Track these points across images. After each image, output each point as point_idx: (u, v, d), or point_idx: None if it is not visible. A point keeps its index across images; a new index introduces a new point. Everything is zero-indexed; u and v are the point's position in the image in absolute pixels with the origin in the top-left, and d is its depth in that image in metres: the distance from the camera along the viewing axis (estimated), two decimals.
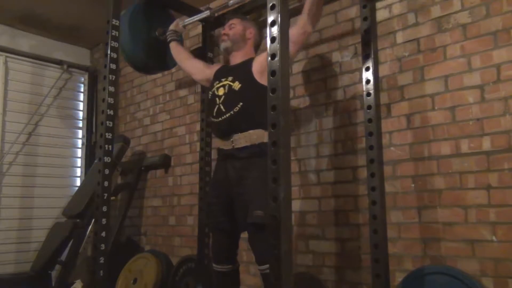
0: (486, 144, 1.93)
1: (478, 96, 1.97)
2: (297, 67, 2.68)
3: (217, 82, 2.13)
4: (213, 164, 2.50)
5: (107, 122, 2.23)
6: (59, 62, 4.07)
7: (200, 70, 2.39)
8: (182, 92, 3.49)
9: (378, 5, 2.30)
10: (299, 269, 2.48)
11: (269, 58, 1.38)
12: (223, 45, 2.21)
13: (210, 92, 2.16)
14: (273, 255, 1.28)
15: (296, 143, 2.61)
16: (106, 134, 2.22)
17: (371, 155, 2.06)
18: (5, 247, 3.60)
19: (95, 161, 3.07)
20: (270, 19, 1.40)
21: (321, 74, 2.56)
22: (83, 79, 4.31)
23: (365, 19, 2.16)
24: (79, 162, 4.17)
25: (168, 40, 2.55)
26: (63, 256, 3.37)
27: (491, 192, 1.90)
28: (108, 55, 2.28)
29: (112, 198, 2.71)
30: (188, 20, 2.67)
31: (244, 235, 2.04)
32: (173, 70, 3.31)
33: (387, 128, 2.23)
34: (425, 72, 2.15)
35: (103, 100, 2.26)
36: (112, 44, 2.29)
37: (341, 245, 2.36)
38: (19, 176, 3.76)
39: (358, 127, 2.36)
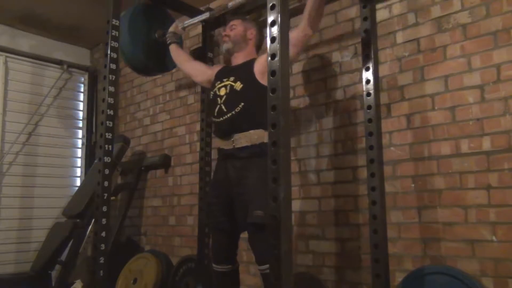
0: (486, 144, 1.93)
1: (478, 96, 1.97)
2: (297, 67, 2.68)
3: (219, 82, 2.14)
4: (213, 164, 2.50)
5: (107, 122, 2.23)
6: (59, 62, 4.07)
7: (201, 72, 2.40)
8: (182, 92, 3.49)
9: (378, 5, 2.30)
10: (299, 269, 2.48)
11: (269, 58, 1.38)
12: (224, 47, 2.22)
13: (212, 92, 2.16)
14: (273, 255, 1.28)
15: (296, 143, 2.61)
16: (106, 134, 2.22)
17: (371, 155, 2.06)
18: (5, 247, 3.60)
19: (95, 161, 3.07)
20: (270, 19, 1.40)
21: (321, 74, 2.56)
22: (83, 79, 4.32)
23: (365, 19, 2.16)
24: (79, 162, 4.17)
25: (168, 42, 2.55)
26: (63, 256, 3.37)
27: (491, 192, 1.90)
28: (108, 55, 2.28)
29: (112, 198, 2.71)
30: (188, 22, 2.66)
31: (244, 235, 2.04)
32: (173, 70, 3.31)
33: (387, 128, 2.23)
34: (425, 72, 2.15)
35: (103, 100, 2.26)
36: (112, 44, 2.29)
37: (341, 245, 2.36)
38: (19, 176, 3.76)
39: (358, 127, 2.36)
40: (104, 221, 2.15)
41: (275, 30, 1.38)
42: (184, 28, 2.63)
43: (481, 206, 1.91)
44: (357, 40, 2.35)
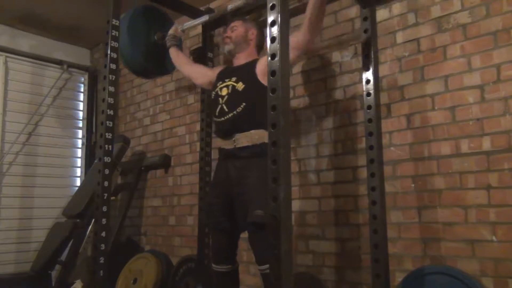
0: (486, 144, 1.93)
1: (478, 96, 1.97)
2: (297, 67, 2.68)
3: (221, 82, 2.14)
4: (213, 164, 2.50)
5: (107, 122, 2.23)
6: (59, 62, 4.07)
7: (201, 74, 2.40)
8: (182, 92, 3.49)
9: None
10: (299, 269, 2.48)
11: (269, 58, 1.38)
12: (226, 48, 2.23)
13: (213, 93, 2.16)
14: (273, 255, 1.28)
15: (296, 143, 2.61)
16: (106, 134, 2.22)
17: (371, 155, 2.06)
18: (5, 247, 3.60)
19: (95, 161, 3.07)
20: (270, 19, 1.40)
21: (321, 74, 2.56)
22: (83, 79, 4.31)
23: (365, 19, 2.16)
24: (79, 162, 4.17)
25: (168, 45, 2.56)
26: (63, 256, 3.37)
27: (491, 192, 1.90)
28: (108, 55, 2.28)
29: (112, 198, 2.71)
30: (187, 24, 2.66)
31: (244, 235, 2.04)
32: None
33: (387, 128, 2.23)
34: (425, 72, 2.15)
35: (103, 100, 2.26)
36: (112, 44, 2.29)
37: (341, 245, 2.36)
38: (19, 176, 3.76)
39: (358, 127, 2.36)
40: (104, 221, 2.15)
41: (275, 30, 1.38)
42: (183, 31, 2.63)
43: (481, 206, 1.91)
44: (357, 40, 2.35)
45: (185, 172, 3.36)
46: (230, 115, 2.02)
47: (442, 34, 2.11)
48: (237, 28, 2.20)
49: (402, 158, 2.19)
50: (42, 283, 3.36)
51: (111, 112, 2.26)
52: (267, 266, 1.77)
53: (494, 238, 1.87)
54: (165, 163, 3.48)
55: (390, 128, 2.24)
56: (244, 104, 2.00)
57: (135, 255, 3.33)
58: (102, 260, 2.13)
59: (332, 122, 2.48)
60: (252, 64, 2.10)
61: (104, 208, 2.16)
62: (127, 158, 3.85)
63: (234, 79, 2.08)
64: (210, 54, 2.91)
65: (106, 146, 2.21)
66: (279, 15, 1.38)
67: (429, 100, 2.12)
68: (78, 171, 4.16)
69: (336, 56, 2.51)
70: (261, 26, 2.22)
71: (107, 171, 2.20)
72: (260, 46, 2.26)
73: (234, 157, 2.03)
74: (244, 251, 2.69)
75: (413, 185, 2.14)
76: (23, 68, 3.89)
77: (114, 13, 2.32)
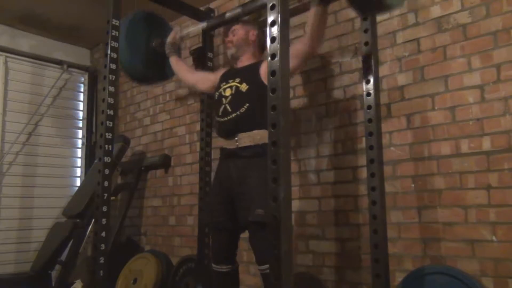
0: (486, 144, 1.93)
1: (478, 96, 1.97)
2: None
3: (224, 83, 2.16)
4: (213, 164, 2.51)
5: (107, 122, 2.23)
6: (59, 62, 4.07)
7: (204, 80, 2.42)
8: (182, 92, 3.49)
9: None
10: (299, 269, 2.48)
11: (269, 58, 1.38)
12: (229, 52, 2.26)
13: (217, 93, 2.18)
14: (273, 255, 1.28)
15: (296, 143, 2.61)
16: (106, 134, 2.22)
17: (371, 155, 2.06)
18: (5, 247, 3.60)
19: (95, 161, 3.07)
20: (270, 19, 1.40)
21: (321, 74, 2.56)
22: (83, 79, 4.31)
23: (365, 19, 2.16)
24: (79, 162, 4.17)
25: (167, 54, 2.56)
26: (63, 256, 3.37)
27: (491, 192, 1.90)
28: (108, 55, 2.28)
29: (112, 198, 2.71)
30: (185, 31, 2.66)
31: (244, 235, 2.04)
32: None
33: (387, 128, 2.23)
34: (425, 72, 2.15)
35: (103, 100, 2.26)
36: (112, 44, 2.29)
37: (341, 245, 2.36)
38: (19, 176, 3.76)
39: (358, 127, 2.36)
40: (104, 221, 2.16)
41: (275, 30, 1.38)
42: (182, 38, 2.64)
43: (481, 206, 1.91)
44: (357, 40, 2.35)
45: (185, 172, 3.36)
46: (233, 115, 2.03)
47: (442, 34, 2.11)
48: (238, 31, 2.23)
49: (402, 158, 2.19)
50: (42, 283, 3.36)
51: (111, 112, 2.26)
52: (267, 266, 1.77)
53: (494, 238, 1.87)
54: (165, 163, 3.48)
55: (390, 128, 2.24)
56: (247, 104, 2.01)
57: (135, 255, 3.33)
58: (102, 260, 2.13)
59: (332, 122, 2.48)
60: (256, 66, 2.12)
61: (104, 208, 2.17)
62: (127, 158, 3.85)
63: (238, 80, 2.10)
64: (210, 54, 2.91)
65: (106, 146, 2.21)
66: (279, 15, 1.38)
67: (429, 100, 2.12)
68: (78, 171, 4.16)
69: (336, 56, 2.51)
70: (261, 26, 2.22)
71: (107, 171, 2.20)
72: (263, 46, 2.27)
73: (235, 157, 2.04)
74: (244, 251, 2.69)
75: (413, 185, 2.14)
76: (23, 68, 3.89)
77: (114, 13, 2.32)
